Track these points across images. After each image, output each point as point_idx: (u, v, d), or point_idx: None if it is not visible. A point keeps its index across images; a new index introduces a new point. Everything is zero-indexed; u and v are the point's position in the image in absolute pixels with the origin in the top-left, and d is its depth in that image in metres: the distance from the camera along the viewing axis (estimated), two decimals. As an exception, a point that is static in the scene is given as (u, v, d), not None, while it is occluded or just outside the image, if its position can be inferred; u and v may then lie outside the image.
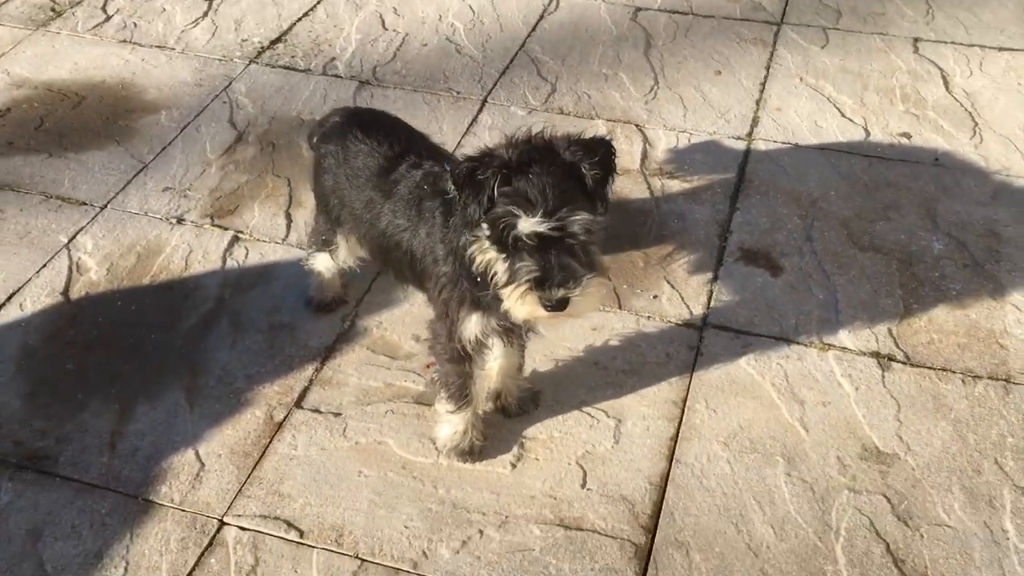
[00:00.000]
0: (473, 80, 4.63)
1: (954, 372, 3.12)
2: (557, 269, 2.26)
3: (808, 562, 2.61)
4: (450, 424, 2.87)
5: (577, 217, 2.24)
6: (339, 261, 3.20)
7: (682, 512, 2.74)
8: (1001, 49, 4.82)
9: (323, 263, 3.27)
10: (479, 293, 2.52)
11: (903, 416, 2.99)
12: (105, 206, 3.86)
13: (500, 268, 2.35)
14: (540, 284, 2.27)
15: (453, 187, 2.39)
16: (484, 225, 2.34)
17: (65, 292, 3.47)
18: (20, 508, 2.77)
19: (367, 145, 2.84)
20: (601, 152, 2.35)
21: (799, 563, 2.61)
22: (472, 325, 2.61)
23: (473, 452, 2.89)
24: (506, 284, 2.33)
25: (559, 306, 2.28)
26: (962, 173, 3.99)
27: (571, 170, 2.30)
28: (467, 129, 4.27)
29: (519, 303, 2.31)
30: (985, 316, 3.31)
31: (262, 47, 4.90)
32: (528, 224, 2.23)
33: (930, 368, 3.14)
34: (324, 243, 3.15)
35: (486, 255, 2.40)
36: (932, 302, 3.38)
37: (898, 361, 3.17)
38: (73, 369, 3.19)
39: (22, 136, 4.26)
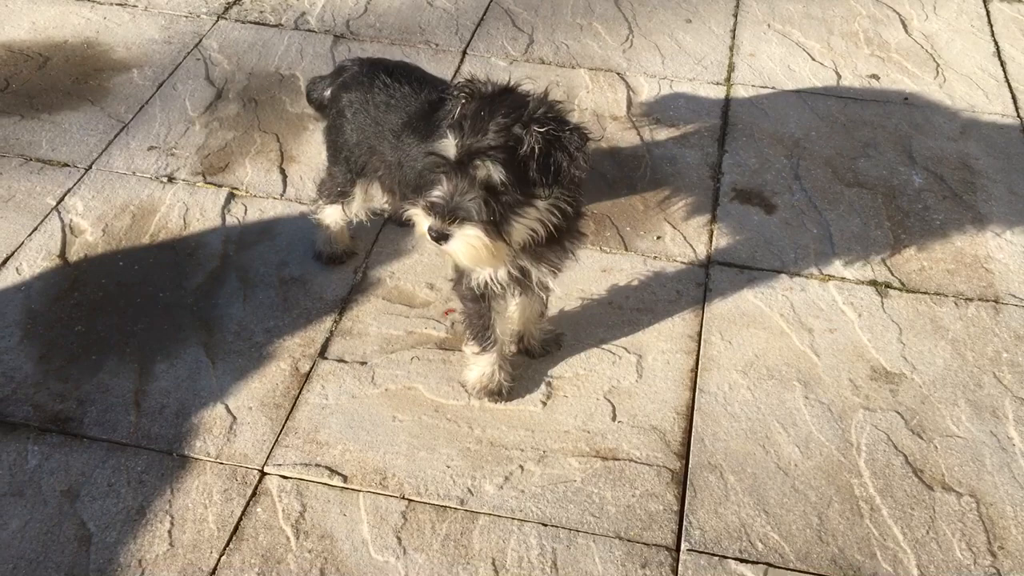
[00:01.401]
0: (450, 32, 4.62)
1: (947, 296, 3.30)
2: (450, 203, 2.32)
3: (835, 476, 2.75)
4: (478, 366, 2.91)
5: (488, 161, 2.27)
6: (351, 212, 3.19)
7: (711, 438, 2.86)
8: (951, -6, 5.03)
9: (332, 216, 3.26)
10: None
11: (905, 338, 3.15)
12: (90, 167, 3.75)
13: (428, 182, 2.44)
14: (431, 209, 2.34)
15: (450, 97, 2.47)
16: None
17: (62, 254, 3.38)
18: (51, 470, 2.72)
19: (401, 91, 2.84)
20: (559, 131, 2.31)
21: (827, 478, 2.75)
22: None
23: (502, 392, 2.94)
24: (416, 197, 2.44)
25: (437, 236, 2.35)
26: (931, 111, 4.17)
27: (520, 129, 2.30)
28: (451, 80, 4.26)
29: (417, 218, 2.40)
30: (969, 243, 3.50)
31: (228, 3, 4.79)
32: (446, 146, 2.31)
33: (924, 293, 3.31)
34: (340, 194, 3.13)
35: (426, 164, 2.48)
36: (919, 232, 3.55)
37: (894, 288, 3.33)
38: (83, 331, 3.12)
39: (-12, 98, 4.09)
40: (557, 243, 2.59)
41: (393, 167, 2.89)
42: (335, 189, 3.15)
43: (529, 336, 3.07)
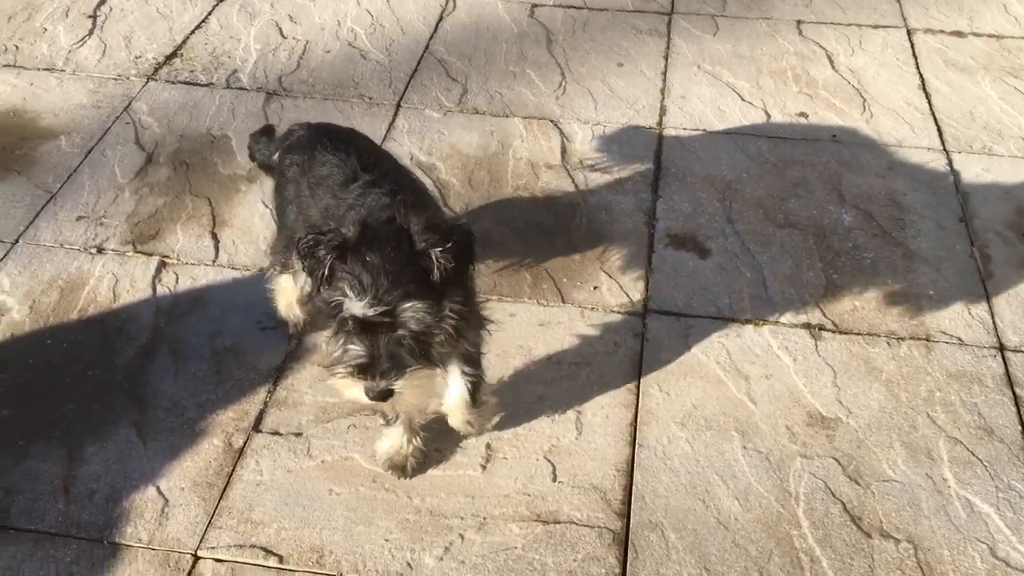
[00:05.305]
0: (383, 85, 4.61)
1: (879, 336, 3.34)
2: (384, 358, 2.24)
3: (775, 528, 2.76)
4: (388, 437, 2.85)
5: (409, 305, 2.22)
6: (300, 283, 3.12)
7: (651, 494, 2.85)
8: (876, 27, 5.13)
9: (286, 285, 3.19)
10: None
11: (840, 382, 3.18)
12: (16, 241, 3.68)
13: (332, 345, 2.33)
14: (364, 371, 2.26)
15: (297, 257, 2.38)
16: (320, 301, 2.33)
17: (-13, 335, 3.30)
18: (-24, 567, 2.64)
19: (335, 157, 2.82)
20: (455, 239, 2.28)
21: (767, 530, 2.75)
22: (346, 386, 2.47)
23: (406, 469, 2.85)
24: (333, 364, 2.32)
25: (381, 396, 2.28)
26: (859, 148, 4.24)
27: (417, 258, 2.26)
28: (385, 135, 4.26)
29: (344, 385, 2.31)
30: (900, 281, 3.55)
31: (158, 63, 4.75)
32: (356, 307, 2.21)
33: (857, 334, 3.35)
34: (284, 266, 3.09)
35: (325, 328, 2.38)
36: (850, 271, 3.60)
37: (827, 330, 3.36)
38: (9, 416, 3.04)
39: (-91, 173, 4.01)
40: (463, 333, 2.53)
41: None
42: (279, 258, 3.11)
43: (456, 424, 2.93)
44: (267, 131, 3.49)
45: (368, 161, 2.84)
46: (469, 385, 2.80)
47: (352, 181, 2.75)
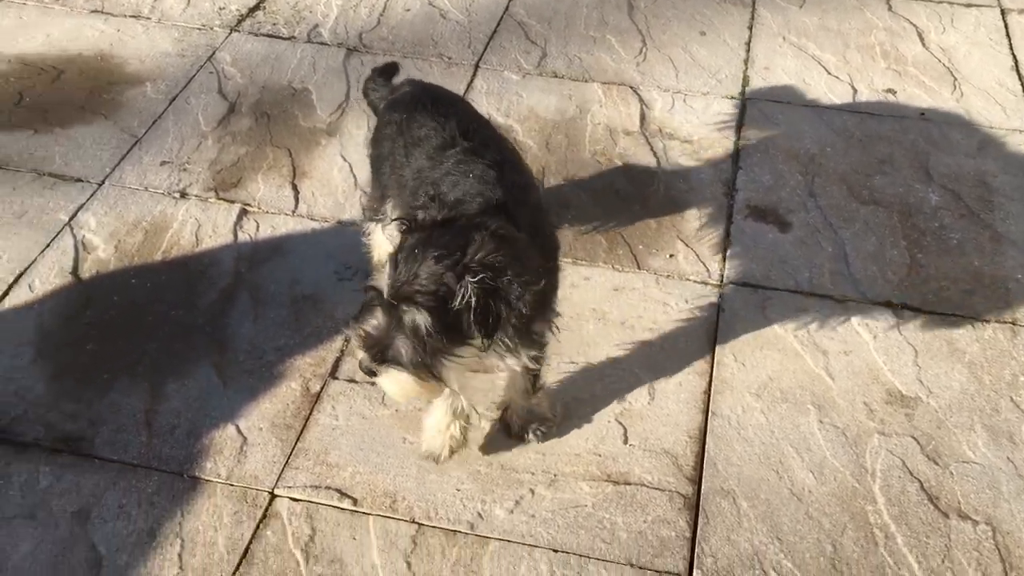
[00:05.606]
0: (462, 45, 4.60)
1: (963, 317, 3.26)
2: (386, 342, 2.24)
3: (849, 503, 2.72)
4: (432, 415, 2.76)
5: (408, 309, 2.18)
6: (389, 234, 3.12)
7: (724, 462, 2.83)
8: (968, 5, 4.98)
9: (377, 235, 3.21)
10: None
11: (921, 361, 3.12)
12: (103, 182, 3.76)
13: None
14: (367, 342, 2.28)
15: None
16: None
17: (75, 271, 3.38)
18: (61, 491, 2.72)
19: (434, 120, 2.83)
20: (488, 275, 2.17)
21: (841, 505, 2.72)
22: None
23: (439, 458, 2.78)
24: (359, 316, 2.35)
25: (367, 373, 2.31)
26: (948, 127, 4.13)
27: (452, 278, 2.18)
28: (463, 95, 4.25)
29: (354, 346, 2.36)
30: (987, 263, 3.46)
31: (241, 15, 4.79)
32: (382, 281, 2.24)
33: (941, 314, 3.28)
34: (374, 212, 3.12)
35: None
36: (935, 251, 3.52)
37: (910, 309, 3.30)
38: (95, 350, 3.12)
39: (2, 112, 4.10)
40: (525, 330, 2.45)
41: (405, 190, 2.86)
42: (372, 205, 3.14)
43: (514, 411, 2.85)
44: (388, 70, 3.42)
45: (468, 128, 2.82)
46: (531, 378, 2.75)
47: (450, 147, 2.74)
